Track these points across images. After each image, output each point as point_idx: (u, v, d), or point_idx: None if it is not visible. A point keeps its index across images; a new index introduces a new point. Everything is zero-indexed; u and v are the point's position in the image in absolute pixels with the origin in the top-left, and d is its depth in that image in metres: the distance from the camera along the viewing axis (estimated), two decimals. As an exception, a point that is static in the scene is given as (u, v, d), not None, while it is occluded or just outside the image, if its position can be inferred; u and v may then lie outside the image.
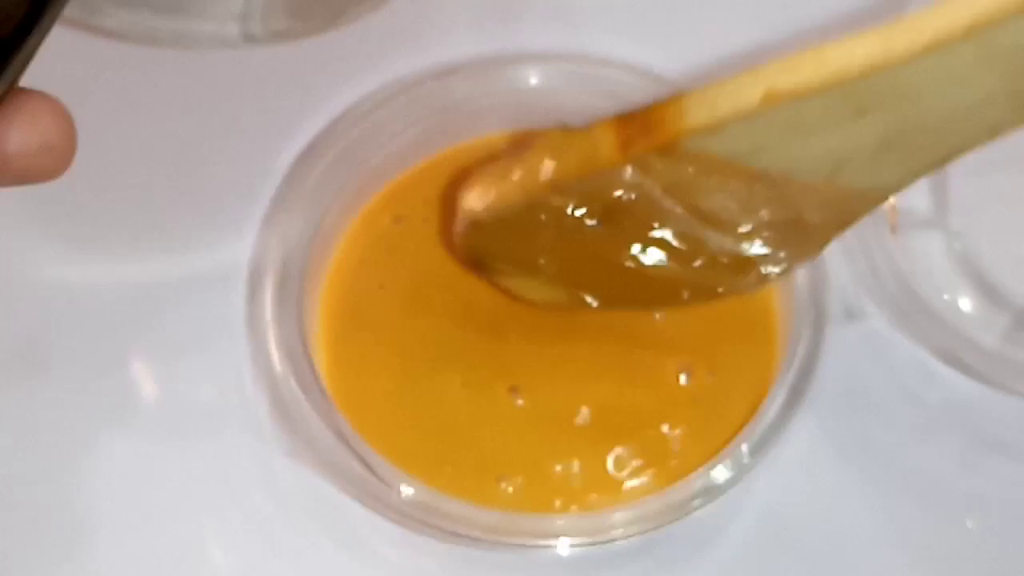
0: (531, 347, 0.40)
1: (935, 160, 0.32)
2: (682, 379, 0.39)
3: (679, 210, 0.34)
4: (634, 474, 0.38)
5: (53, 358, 0.41)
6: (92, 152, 0.43)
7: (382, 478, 0.37)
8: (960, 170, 0.41)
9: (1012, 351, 0.39)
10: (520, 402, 0.39)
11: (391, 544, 0.39)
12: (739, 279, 0.37)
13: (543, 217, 0.36)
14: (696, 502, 0.36)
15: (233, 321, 0.41)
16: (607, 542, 0.36)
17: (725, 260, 0.36)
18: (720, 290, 0.37)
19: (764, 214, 0.34)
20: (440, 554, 0.38)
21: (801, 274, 0.39)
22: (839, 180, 0.32)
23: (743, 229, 0.34)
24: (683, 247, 0.35)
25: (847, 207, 0.34)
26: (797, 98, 0.30)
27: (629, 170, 0.33)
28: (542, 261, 0.38)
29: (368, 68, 0.44)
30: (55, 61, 0.44)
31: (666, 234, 0.35)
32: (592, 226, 0.35)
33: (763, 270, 0.36)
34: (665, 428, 0.39)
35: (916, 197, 0.42)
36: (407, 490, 0.36)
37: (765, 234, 0.35)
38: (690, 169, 0.32)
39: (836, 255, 0.40)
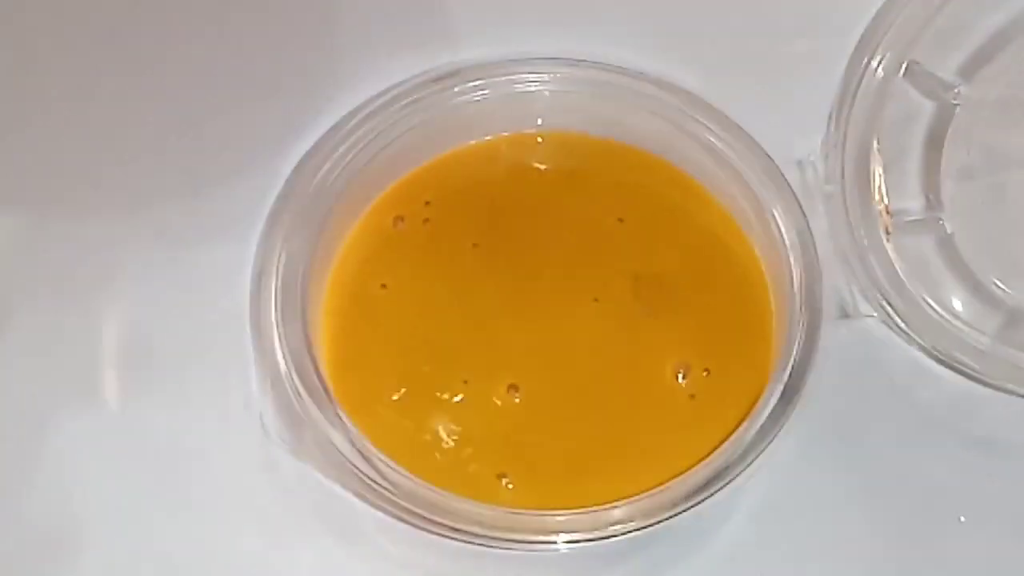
0: (530, 346, 0.40)
1: None
2: (679, 378, 0.40)
3: None
4: (631, 471, 0.38)
5: (55, 357, 0.42)
6: (96, 154, 0.44)
7: (384, 475, 0.37)
8: (953, 171, 0.42)
9: (1004, 350, 0.40)
10: (519, 400, 0.39)
11: (393, 540, 0.39)
12: None
13: None
14: (693, 499, 0.37)
15: (238, 321, 0.41)
16: (605, 538, 0.37)
17: None
18: None
19: None
20: (441, 550, 0.38)
21: (796, 275, 0.39)
22: None
23: None
24: None
25: None
26: None
27: None
28: None
29: (370, 72, 0.44)
30: (58, 63, 0.45)
31: None
32: None
33: None
34: (662, 426, 0.39)
35: (909, 199, 0.43)
36: (408, 486, 0.37)
37: None
38: None
39: (830, 256, 0.40)
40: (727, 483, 0.37)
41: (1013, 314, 0.41)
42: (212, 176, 0.44)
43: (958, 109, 0.42)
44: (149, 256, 0.43)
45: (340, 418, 0.38)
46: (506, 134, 0.43)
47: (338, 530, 0.39)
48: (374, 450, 0.37)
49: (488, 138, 0.43)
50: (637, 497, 0.37)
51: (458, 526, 0.36)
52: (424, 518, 0.36)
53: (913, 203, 0.43)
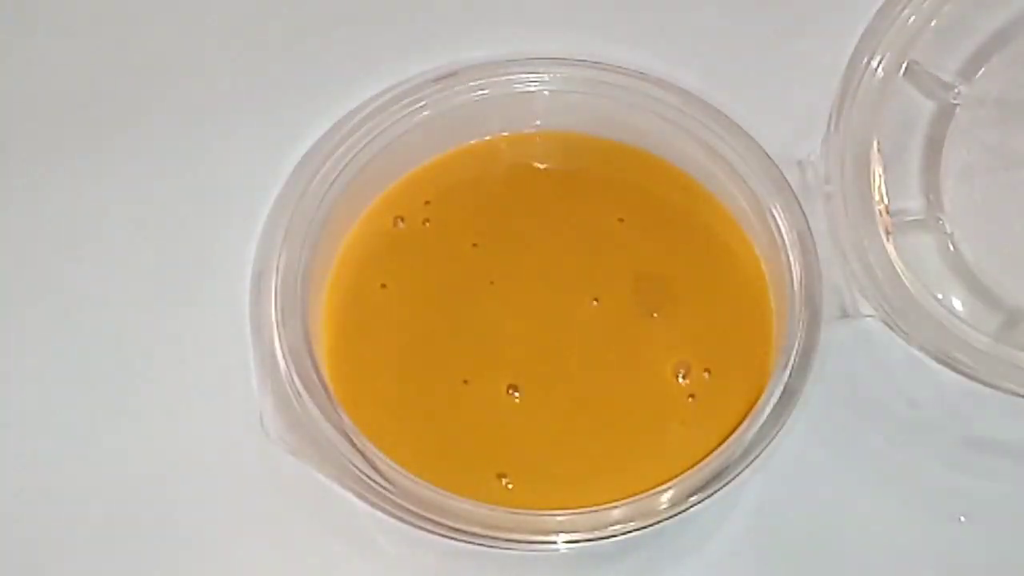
0: (530, 346, 0.40)
1: None
2: (679, 378, 0.40)
3: None
4: (631, 471, 0.38)
5: (57, 354, 0.42)
6: (96, 154, 0.44)
7: (384, 474, 0.37)
8: (953, 171, 0.42)
9: (1004, 350, 0.39)
10: (519, 400, 0.39)
11: (393, 540, 0.39)
12: None
13: None
14: (692, 499, 0.37)
15: (238, 321, 0.41)
16: (605, 538, 0.36)
17: None
18: None
19: None
20: (441, 550, 0.38)
21: (796, 275, 0.39)
22: None
23: None
24: None
25: None
26: None
27: None
28: None
29: (370, 71, 0.44)
30: (59, 64, 0.45)
31: None
32: None
33: None
34: (662, 426, 0.39)
35: (909, 199, 0.43)
36: (408, 486, 0.37)
37: None
38: None
39: (830, 256, 0.40)
40: (727, 483, 0.37)
41: (1013, 314, 0.41)
42: (212, 176, 0.44)
43: (958, 109, 0.42)
44: (148, 255, 0.43)
45: (340, 418, 0.38)
46: (506, 134, 0.43)
47: (338, 530, 0.39)
48: (374, 450, 0.37)
49: (488, 138, 0.43)
50: (637, 497, 0.37)
51: (458, 526, 0.36)
52: (424, 518, 0.36)
53: (913, 203, 0.43)
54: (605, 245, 0.42)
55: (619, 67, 0.42)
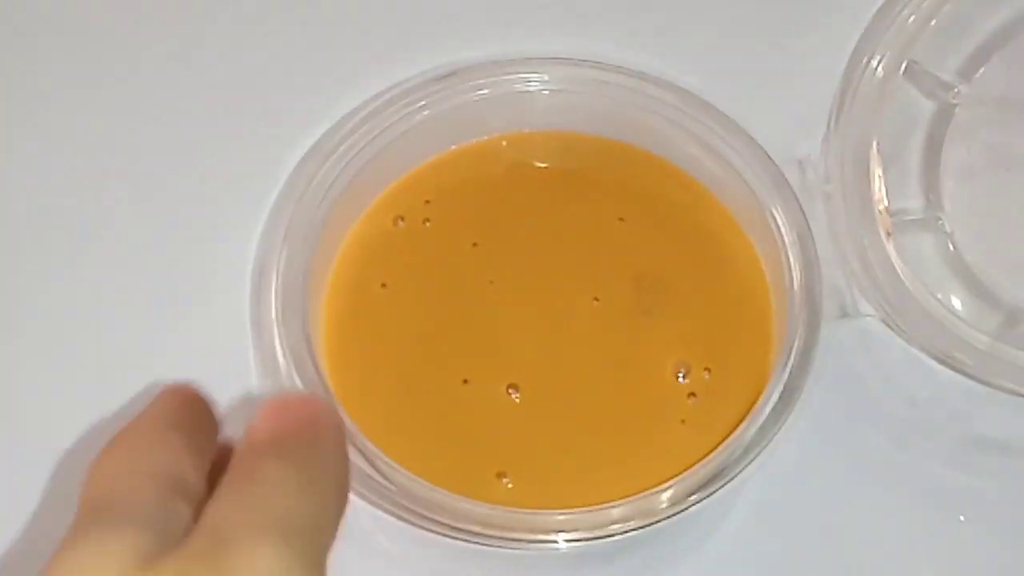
0: (530, 345, 0.40)
1: None
2: (679, 377, 0.40)
3: None
4: (632, 470, 0.38)
5: (59, 354, 0.42)
6: (97, 155, 0.44)
7: (384, 474, 0.37)
8: (953, 171, 0.42)
9: (1004, 350, 0.39)
10: (519, 399, 0.39)
11: (393, 539, 0.39)
12: None
13: None
14: (692, 498, 0.37)
15: (238, 320, 0.41)
16: (605, 537, 0.37)
17: None
18: None
19: None
20: (441, 548, 0.38)
21: (796, 275, 0.39)
22: None
23: None
24: None
25: None
26: None
27: None
28: None
29: (370, 72, 0.44)
30: (60, 64, 0.46)
31: None
32: None
33: None
34: (662, 425, 0.39)
35: (909, 199, 0.43)
36: (408, 485, 0.37)
37: None
38: None
39: (830, 256, 0.40)
40: (727, 482, 0.37)
41: (1013, 314, 0.41)
42: (213, 176, 0.44)
43: (958, 109, 0.42)
44: (149, 255, 0.43)
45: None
46: (506, 134, 0.43)
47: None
48: (375, 449, 0.37)
49: (488, 137, 0.43)
50: (637, 496, 0.37)
51: (458, 525, 0.36)
52: (424, 517, 0.36)
53: (913, 203, 0.43)
54: (605, 244, 0.42)
55: (619, 67, 0.42)
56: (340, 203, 0.41)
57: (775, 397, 0.38)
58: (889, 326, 0.40)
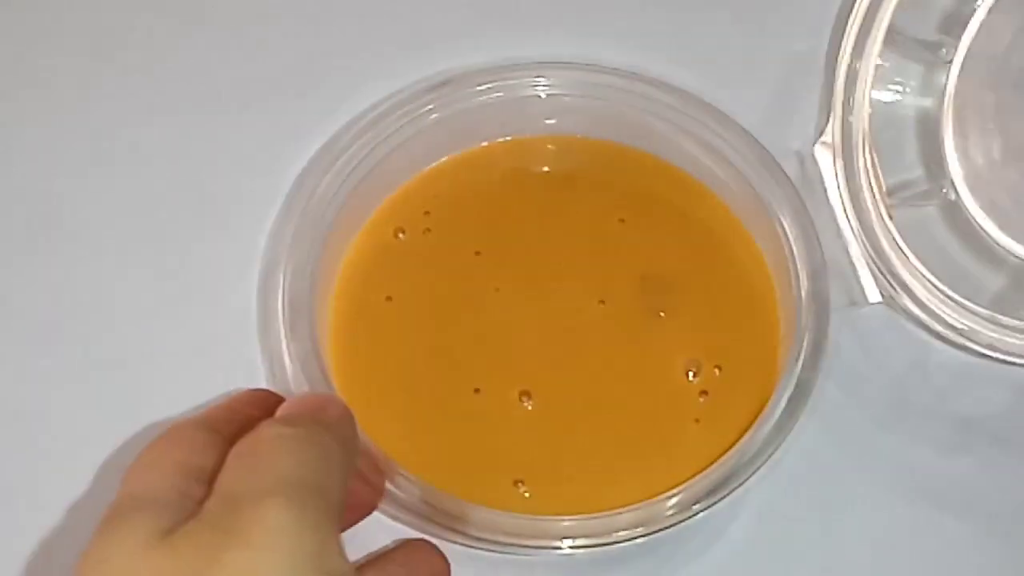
0: (539, 351, 0.40)
1: None
2: (689, 376, 0.40)
3: None
4: (649, 471, 0.38)
5: (60, 353, 0.41)
6: (106, 165, 0.44)
7: (397, 484, 0.37)
8: (950, 138, 0.41)
9: (1013, 333, 0.39)
10: (531, 406, 0.39)
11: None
12: None
13: None
14: (699, 504, 0.36)
15: (245, 341, 0.41)
16: (615, 543, 0.36)
17: None
18: None
19: None
20: (450, 553, 0.38)
21: (801, 267, 0.39)
22: None
23: None
24: None
25: None
26: None
27: None
28: None
29: (365, 82, 0.44)
30: (62, 66, 0.45)
31: None
32: None
33: None
34: (676, 424, 0.39)
35: (908, 171, 0.42)
36: (425, 495, 0.36)
37: None
38: None
39: (834, 246, 0.40)
40: (748, 478, 0.37)
41: (1017, 274, 0.41)
42: (211, 194, 0.44)
43: (949, 73, 0.41)
44: (154, 270, 0.43)
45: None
46: (503, 139, 0.43)
47: (347, 533, 0.39)
48: (386, 458, 0.37)
49: (484, 144, 0.43)
50: (649, 502, 0.37)
51: (469, 532, 0.36)
52: (439, 524, 0.36)
53: (913, 175, 0.43)
54: (608, 246, 0.42)
55: (618, 69, 0.42)
56: (340, 217, 0.40)
57: (788, 391, 0.38)
58: (895, 310, 0.40)
